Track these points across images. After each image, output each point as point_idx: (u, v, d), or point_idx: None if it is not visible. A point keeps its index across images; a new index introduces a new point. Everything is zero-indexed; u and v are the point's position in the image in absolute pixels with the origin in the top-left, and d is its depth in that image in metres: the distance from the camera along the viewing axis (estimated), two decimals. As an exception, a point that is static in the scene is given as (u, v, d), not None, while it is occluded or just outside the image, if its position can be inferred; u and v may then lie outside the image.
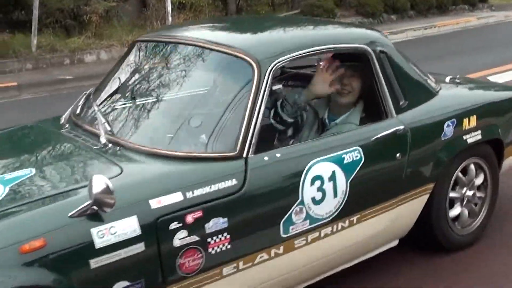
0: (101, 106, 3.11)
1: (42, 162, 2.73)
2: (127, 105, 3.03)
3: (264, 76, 2.69)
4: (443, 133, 3.28)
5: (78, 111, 3.23)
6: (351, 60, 3.15)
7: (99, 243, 2.21)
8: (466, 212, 3.59)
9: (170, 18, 11.47)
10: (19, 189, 2.42)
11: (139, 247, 2.30)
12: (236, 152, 2.59)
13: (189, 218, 2.40)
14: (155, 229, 2.33)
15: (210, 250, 2.47)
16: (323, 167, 2.76)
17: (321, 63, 3.07)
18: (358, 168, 2.88)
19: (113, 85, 3.27)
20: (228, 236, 2.50)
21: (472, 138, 3.44)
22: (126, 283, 2.28)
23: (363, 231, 3.01)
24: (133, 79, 3.20)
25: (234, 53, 2.78)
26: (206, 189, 2.46)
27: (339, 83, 3.13)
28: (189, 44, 3.03)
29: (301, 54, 2.85)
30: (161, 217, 2.34)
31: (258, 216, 2.60)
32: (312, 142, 2.89)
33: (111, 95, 3.19)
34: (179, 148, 2.65)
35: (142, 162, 2.61)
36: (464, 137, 3.40)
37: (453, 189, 3.50)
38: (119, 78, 3.28)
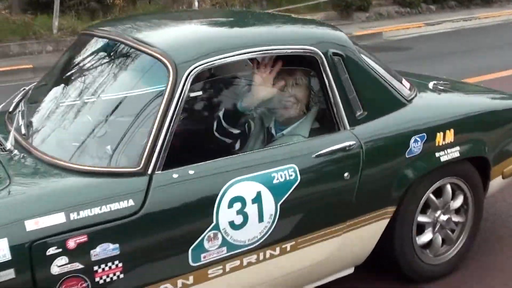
0: (31, 105, 2.84)
1: None
2: (47, 106, 2.74)
3: (180, 82, 2.34)
4: (409, 149, 2.85)
5: (11, 109, 2.97)
6: (298, 65, 2.75)
7: (-43, 270, 1.94)
8: (439, 238, 3.15)
9: (196, 4, 11.17)
10: None
11: (8, 274, 2.00)
12: (139, 168, 2.26)
13: (71, 243, 2.09)
14: (29, 254, 2.04)
15: (97, 279, 2.15)
16: (245, 187, 2.40)
17: (253, 63, 2.69)
18: (292, 189, 2.50)
19: (48, 82, 2.99)
20: (120, 265, 2.19)
21: (448, 155, 3.00)
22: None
23: (301, 260, 2.63)
24: (63, 77, 2.89)
25: (153, 54, 2.44)
26: (95, 210, 2.15)
27: (281, 93, 2.75)
28: (117, 41, 2.71)
29: (230, 57, 2.47)
30: (37, 241, 2.05)
31: (160, 242, 2.26)
32: (236, 158, 2.51)
33: (42, 93, 2.91)
34: (82, 159, 2.34)
35: (38, 174, 2.32)
36: (437, 154, 2.96)
37: (424, 212, 3.08)
38: (54, 75, 2.99)
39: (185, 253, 2.31)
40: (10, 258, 2.00)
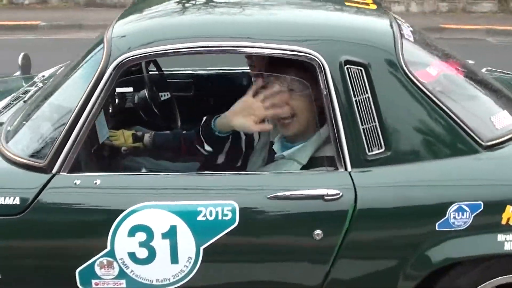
0: None
1: None
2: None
3: (105, 72, 1.93)
4: (444, 219, 1.91)
5: None
6: (299, 68, 2.03)
7: None
8: None
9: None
10: None
11: None
12: (44, 164, 1.95)
13: None
14: None
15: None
16: (155, 217, 1.90)
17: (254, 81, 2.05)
18: (223, 233, 1.90)
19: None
20: None
21: (523, 243, 1.94)
22: None
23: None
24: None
25: (104, 39, 2.06)
26: None
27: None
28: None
29: (178, 49, 1.93)
30: None
31: (42, 253, 1.96)
32: (158, 177, 1.99)
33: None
34: (13, 145, 2.08)
35: None
36: (500, 238, 1.94)
37: (477, 312, 2.08)
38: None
39: (71, 273, 1.95)
40: None
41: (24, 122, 2.16)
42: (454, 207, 1.91)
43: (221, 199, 1.90)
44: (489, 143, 2.01)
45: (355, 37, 2.01)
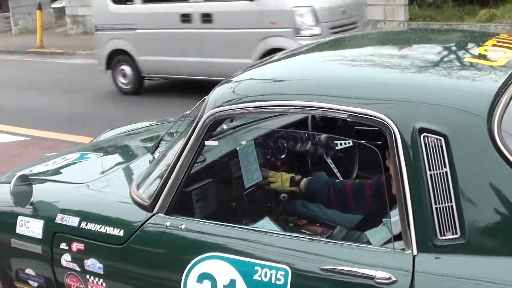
0: None
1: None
2: None
3: (197, 125, 2.10)
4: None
5: None
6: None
7: (18, 230, 2.50)
8: None
9: None
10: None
11: (38, 249, 2.45)
12: (148, 203, 2.20)
13: (74, 246, 2.34)
14: (51, 241, 2.41)
15: (89, 287, 2.32)
16: (219, 267, 1.97)
17: None
18: (277, 299, 1.87)
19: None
20: (104, 284, 2.27)
21: None
22: (32, 272, 2.50)
23: None
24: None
25: None
26: (97, 227, 2.28)
27: None
28: None
29: (252, 108, 1.97)
30: (57, 233, 2.40)
31: (136, 281, 2.21)
32: (232, 229, 2.03)
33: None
34: (140, 188, 2.36)
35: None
36: None
37: None
38: None
39: None
40: (41, 237, 2.42)
41: (152, 167, 2.44)
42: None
43: (278, 263, 1.87)
44: None
45: (437, 99, 1.77)
